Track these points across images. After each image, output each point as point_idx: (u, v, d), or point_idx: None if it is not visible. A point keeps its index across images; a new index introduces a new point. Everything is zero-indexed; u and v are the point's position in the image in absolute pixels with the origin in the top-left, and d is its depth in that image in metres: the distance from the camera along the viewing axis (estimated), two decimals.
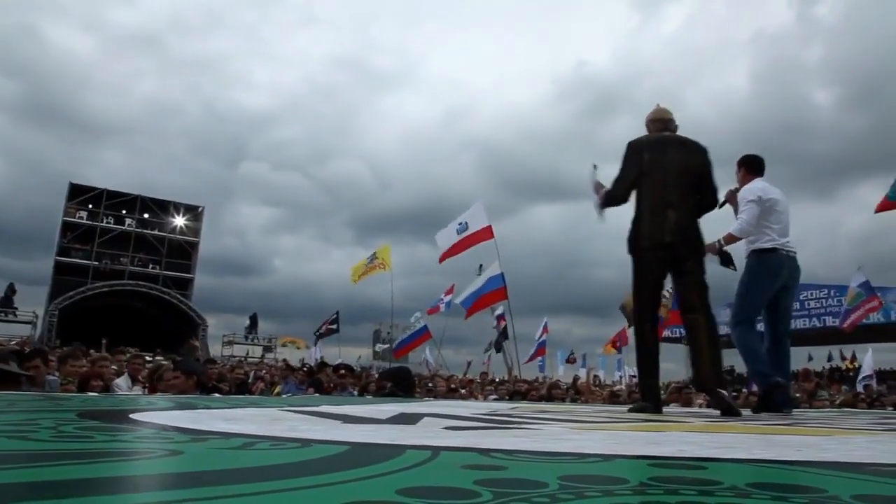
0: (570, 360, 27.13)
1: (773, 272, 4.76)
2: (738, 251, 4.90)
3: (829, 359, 36.64)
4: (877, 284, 15.18)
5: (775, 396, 4.53)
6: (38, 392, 4.47)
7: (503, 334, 19.38)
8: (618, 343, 23.92)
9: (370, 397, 7.18)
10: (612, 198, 4.45)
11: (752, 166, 4.96)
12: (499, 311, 18.42)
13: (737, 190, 4.97)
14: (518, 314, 14.53)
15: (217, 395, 6.64)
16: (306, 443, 1.33)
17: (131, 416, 1.82)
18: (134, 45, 76.83)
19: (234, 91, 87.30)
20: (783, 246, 4.76)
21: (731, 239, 4.72)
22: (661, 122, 4.52)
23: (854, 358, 33.34)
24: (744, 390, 14.27)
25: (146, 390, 6.62)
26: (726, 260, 4.75)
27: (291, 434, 1.55)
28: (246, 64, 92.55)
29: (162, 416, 1.90)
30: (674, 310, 13.82)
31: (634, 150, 4.34)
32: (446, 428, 2.04)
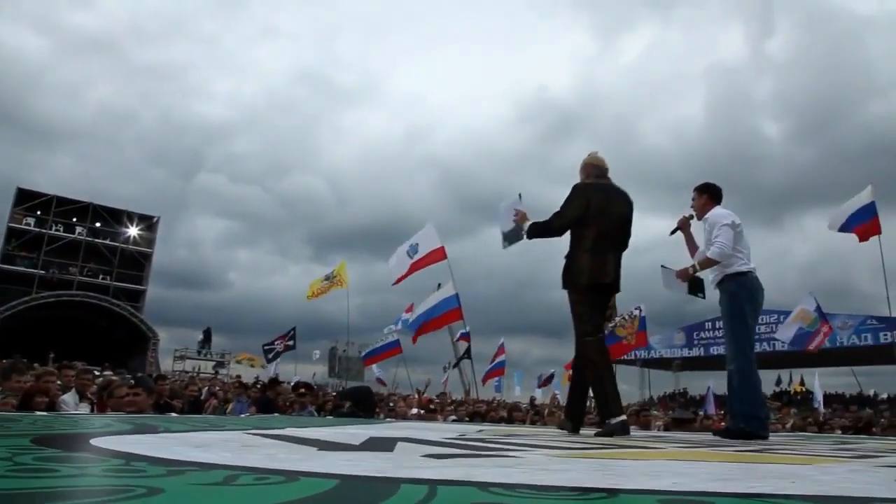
0: (542, 384, 27.20)
1: (754, 294, 4.80)
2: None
3: (778, 382, 37.55)
4: (824, 311, 15.64)
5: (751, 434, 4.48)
6: None
7: (467, 352, 19.33)
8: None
9: (330, 417, 7.00)
10: (546, 230, 4.65)
11: (714, 194, 5.01)
12: (464, 329, 18.36)
13: (691, 217, 5.05)
14: (474, 334, 14.48)
15: (172, 413, 6.38)
16: (292, 476, 1.23)
17: (92, 441, 1.69)
18: (89, 49, 74.94)
19: (191, 101, 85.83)
20: (754, 270, 4.83)
21: (707, 263, 4.74)
22: (598, 169, 4.74)
23: (802, 382, 34.25)
24: (700, 412, 14.49)
25: (94, 407, 6.33)
26: (696, 287, 4.77)
27: (271, 465, 1.44)
28: (205, 74, 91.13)
29: (125, 441, 1.76)
30: (640, 331, 14.04)
31: (581, 193, 4.56)
32: (425, 455, 1.96)
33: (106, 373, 11.65)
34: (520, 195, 5.13)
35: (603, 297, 4.58)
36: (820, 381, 23.95)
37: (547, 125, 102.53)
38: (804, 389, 33.13)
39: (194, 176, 79.19)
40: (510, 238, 5.19)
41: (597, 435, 4.54)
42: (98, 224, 36.35)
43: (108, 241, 36.16)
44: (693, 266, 4.77)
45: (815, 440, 5.20)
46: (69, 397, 6.29)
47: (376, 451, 2.11)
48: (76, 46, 74.01)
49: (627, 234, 4.69)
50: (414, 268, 12.88)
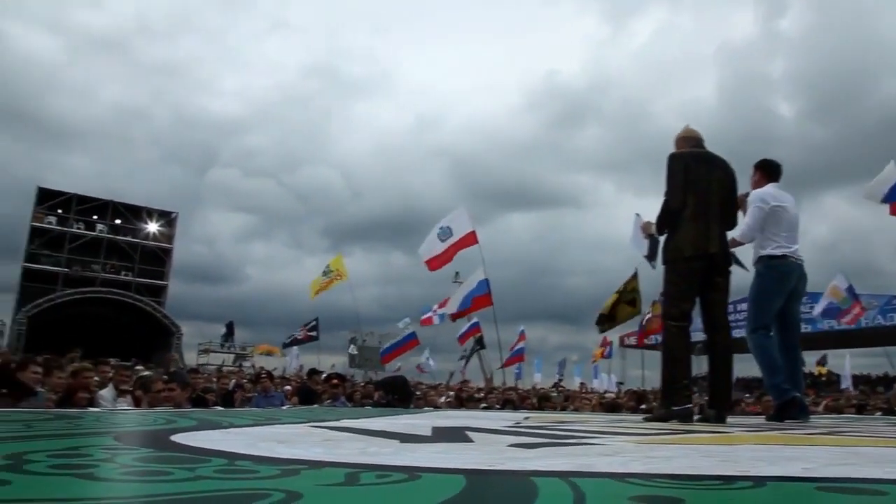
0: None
1: (782, 278, 4.67)
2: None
3: (802, 364, 37.05)
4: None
5: (790, 411, 4.43)
6: (34, 406, 4.19)
7: (479, 342, 19.30)
8: (605, 351, 24.05)
9: (370, 408, 6.95)
10: (666, 214, 4.32)
11: (767, 171, 4.85)
12: (472, 322, 18.32)
13: (746, 195, 4.89)
14: (493, 322, 14.33)
15: (218, 407, 6.38)
16: (411, 473, 1.13)
17: (172, 438, 1.60)
18: (99, 48, 75.15)
19: (202, 97, 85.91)
20: (792, 253, 4.67)
21: (733, 243, 4.61)
22: (693, 140, 4.49)
23: (823, 363, 33.71)
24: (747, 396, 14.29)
25: (131, 403, 6.32)
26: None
27: (373, 460, 1.35)
28: (214, 69, 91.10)
29: (205, 437, 1.68)
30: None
31: (678, 161, 4.30)
32: (512, 446, 1.86)
33: (137, 367, 11.68)
34: (637, 214, 5.13)
35: (707, 273, 4.20)
36: (850, 362, 23.66)
37: (557, 111, 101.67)
38: (827, 371, 32.65)
39: (209, 171, 79.47)
40: (652, 254, 5.15)
41: (645, 420, 4.43)
42: (118, 221, 36.55)
43: (128, 238, 36.38)
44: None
45: (869, 422, 5.08)
46: (107, 392, 6.29)
47: (456, 441, 2.03)
48: (87, 46, 74.28)
49: (733, 207, 4.44)
50: (448, 253, 12.72)
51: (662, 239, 4.44)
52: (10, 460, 1.05)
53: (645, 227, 4.83)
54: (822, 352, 32.20)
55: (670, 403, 4.06)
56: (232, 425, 2.31)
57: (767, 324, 4.73)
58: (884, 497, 1.03)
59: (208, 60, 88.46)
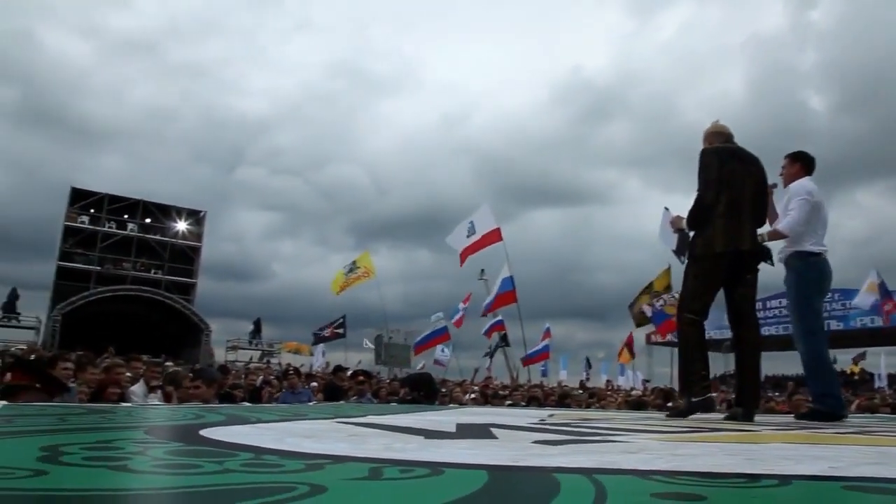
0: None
1: (822, 277, 4.57)
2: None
3: (834, 362, 36.33)
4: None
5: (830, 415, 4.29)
6: (67, 401, 4.28)
7: (503, 339, 19.29)
8: (632, 349, 23.89)
9: (395, 404, 6.99)
10: (699, 210, 4.21)
11: (807, 163, 4.72)
12: (497, 319, 18.32)
13: (774, 185, 4.80)
14: (518, 320, 14.29)
15: (245, 403, 6.46)
16: (434, 468, 1.14)
17: (201, 432, 1.64)
18: (129, 50, 76.56)
19: (230, 96, 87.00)
20: (825, 251, 4.58)
21: (774, 235, 4.46)
22: (722, 136, 4.39)
23: (857, 361, 32.99)
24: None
25: (162, 398, 6.43)
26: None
27: (397, 455, 1.37)
28: (241, 69, 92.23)
29: (233, 432, 1.71)
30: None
31: (711, 156, 4.22)
32: (536, 443, 1.86)
33: (167, 364, 11.89)
34: (666, 208, 5.01)
35: (737, 271, 4.15)
36: (885, 361, 23.21)
37: (583, 106, 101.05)
38: (860, 369, 31.96)
39: (236, 170, 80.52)
40: (681, 249, 5.02)
41: (668, 416, 4.39)
42: (148, 220, 37.20)
43: (158, 237, 37.01)
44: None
45: None
46: (138, 388, 6.39)
47: (480, 437, 2.03)
48: (117, 48, 75.76)
49: (764, 206, 4.34)
50: (473, 248, 12.76)
51: (692, 234, 4.39)
52: (47, 451, 1.09)
53: (675, 221, 4.72)
54: (858, 350, 31.54)
55: (690, 395, 4.02)
56: (259, 420, 2.35)
57: (821, 326, 4.64)
58: None
59: (235, 60, 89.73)
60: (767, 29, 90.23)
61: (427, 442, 1.76)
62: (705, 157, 4.22)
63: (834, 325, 27.98)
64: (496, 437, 2.03)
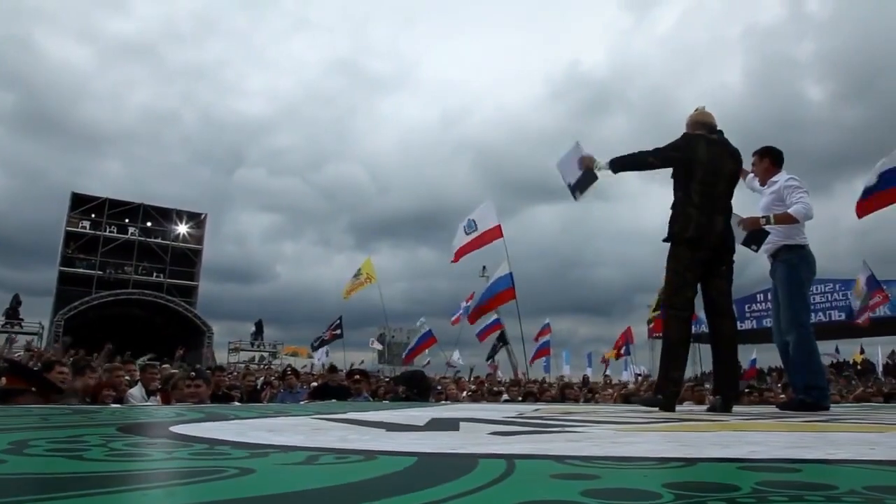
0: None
1: (813, 268, 4.69)
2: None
3: (837, 352, 36.37)
4: (881, 278, 15.15)
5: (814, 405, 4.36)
6: (65, 404, 4.40)
7: (501, 338, 19.37)
8: (622, 347, 23.96)
9: (386, 402, 7.10)
10: (636, 162, 4.26)
11: (776, 158, 4.81)
12: (495, 317, 18.41)
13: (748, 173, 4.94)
14: (521, 316, 14.35)
15: (236, 403, 6.57)
16: (370, 455, 1.25)
17: (171, 428, 1.75)
18: (128, 55, 76.77)
19: (229, 98, 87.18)
20: (808, 245, 4.69)
21: (785, 219, 4.41)
22: (707, 126, 4.38)
23: (862, 350, 33.04)
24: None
25: (160, 400, 6.54)
26: (756, 239, 4.46)
27: (346, 445, 1.47)
28: (240, 70, 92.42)
29: (202, 428, 1.83)
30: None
31: (687, 140, 4.26)
32: (492, 433, 1.97)
33: (164, 366, 11.99)
34: (577, 142, 4.89)
35: (711, 263, 4.21)
36: (882, 351, 23.21)
37: (581, 101, 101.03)
38: (864, 359, 32.00)
39: (236, 172, 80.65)
40: (580, 187, 4.82)
41: (632, 402, 4.48)
42: (149, 224, 37.39)
43: (159, 240, 37.20)
44: (767, 217, 4.42)
45: (882, 410, 5.06)
46: (136, 391, 6.50)
47: (442, 430, 2.14)
48: (116, 53, 75.93)
49: (731, 196, 4.34)
50: (472, 245, 12.79)
51: (614, 176, 4.40)
52: (12, 445, 1.20)
53: (586, 160, 4.59)
54: (859, 340, 31.56)
55: (658, 392, 4.14)
56: (237, 418, 2.46)
57: (809, 319, 4.74)
58: (796, 473, 1.12)
59: (234, 62, 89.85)
60: (765, 20, 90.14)
61: (384, 434, 1.86)
62: (683, 138, 4.26)
63: (836, 316, 27.98)
64: (458, 430, 2.14)
